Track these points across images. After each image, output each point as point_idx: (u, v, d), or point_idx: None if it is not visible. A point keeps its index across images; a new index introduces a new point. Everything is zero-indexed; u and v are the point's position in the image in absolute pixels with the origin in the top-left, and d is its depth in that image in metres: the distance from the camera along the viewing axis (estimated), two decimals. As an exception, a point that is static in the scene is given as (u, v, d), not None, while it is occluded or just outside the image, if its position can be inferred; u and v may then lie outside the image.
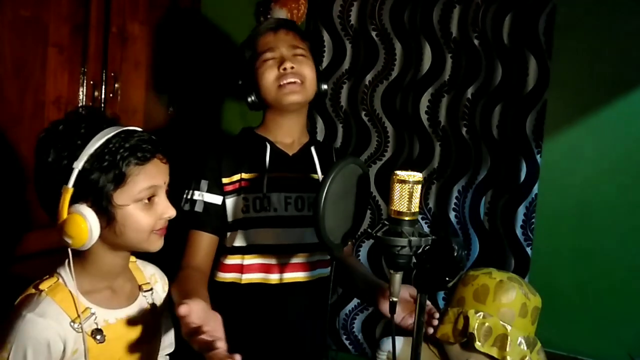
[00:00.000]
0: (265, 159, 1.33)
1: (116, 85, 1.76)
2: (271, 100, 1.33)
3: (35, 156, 0.96)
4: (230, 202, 1.31)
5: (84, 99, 1.66)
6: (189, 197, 1.30)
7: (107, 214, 0.93)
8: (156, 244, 1.00)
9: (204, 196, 1.29)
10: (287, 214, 1.33)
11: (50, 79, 1.57)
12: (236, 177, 1.32)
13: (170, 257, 1.24)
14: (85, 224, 0.90)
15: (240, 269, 1.31)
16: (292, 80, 1.31)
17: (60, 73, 1.60)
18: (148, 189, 0.96)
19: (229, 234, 1.32)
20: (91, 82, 1.68)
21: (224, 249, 1.33)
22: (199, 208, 1.29)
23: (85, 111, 0.99)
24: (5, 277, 1.45)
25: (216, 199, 1.30)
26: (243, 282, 1.31)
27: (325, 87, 1.41)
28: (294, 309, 1.34)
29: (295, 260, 1.34)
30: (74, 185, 0.90)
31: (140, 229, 0.96)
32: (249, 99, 1.35)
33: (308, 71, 1.33)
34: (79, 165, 0.90)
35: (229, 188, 1.31)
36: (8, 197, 1.49)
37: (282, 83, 1.31)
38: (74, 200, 0.91)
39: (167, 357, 1.19)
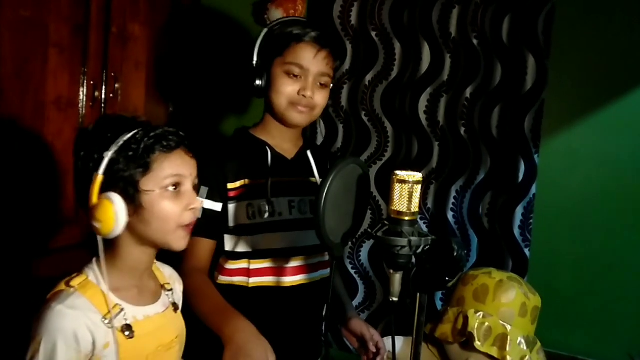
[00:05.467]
0: (268, 164, 1.33)
1: (116, 86, 1.76)
2: (277, 110, 1.33)
3: (73, 154, 1.01)
4: (233, 207, 1.31)
5: (84, 99, 1.66)
6: None
7: (134, 201, 0.96)
8: (181, 242, 1.03)
9: (204, 203, 1.29)
10: (292, 218, 1.34)
11: (50, 79, 1.57)
12: (239, 182, 1.32)
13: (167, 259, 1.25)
14: (112, 208, 0.93)
15: (247, 273, 1.31)
16: (305, 106, 1.31)
17: (61, 73, 1.60)
18: (173, 176, 0.99)
19: (230, 238, 1.32)
20: (91, 82, 1.68)
21: (224, 253, 1.33)
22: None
23: (115, 116, 1.04)
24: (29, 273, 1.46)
25: (216, 206, 1.30)
26: (250, 285, 1.31)
27: (330, 101, 1.42)
28: (299, 311, 1.35)
29: (300, 262, 1.35)
30: (105, 174, 0.94)
31: (166, 217, 0.99)
32: (257, 83, 1.32)
33: (322, 101, 1.33)
34: (108, 154, 0.94)
35: (233, 194, 1.31)
36: (7, 197, 1.50)
37: (294, 102, 1.31)
38: (105, 189, 0.95)
39: None
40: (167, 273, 1.16)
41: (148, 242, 1.02)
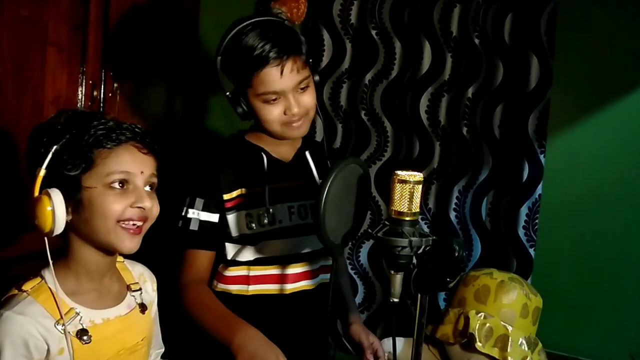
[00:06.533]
0: (264, 171, 1.30)
1: (115, 85, 1.75)
2: (274, 133, 1.27)
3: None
4: (232, 217, 1.29)
5: (83, 99, 1.66)
6: (182, 214, 1.27)
7: (74, 198, 0.92)
8: (126, 243, 0.95)
9: (200, 215, 1.26)
10: (292, 224, 1.32)
11: (49, 79, 1.57)
12: (236, 192, 1.29)
13: (166, 267, 1.24)
14: (50, 204, 0.89)
15: (247, 280, 1.30)
16: (298, 119, 1.25)
17: (59, 72, 1.59)
18: (119, 173, 0.93)
19: (232, 247, 1.31)
20: (90, 82, 1.67)
21: (223, 261, 1.32)
22: (194, 226, 1.26)
23: (71, 111, 0.99)
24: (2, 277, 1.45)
25: (212, 217, 1.27)
26: (250, 293, 1.30)
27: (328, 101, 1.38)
28: (301, 316, 1.33)
29: (301, 269, 1.33)
30: (48, 169, 0.90)
31: (105, 214, 0.92)
32: (239, 111, 1.26)
33: (311, 102, 1.27)
34: (53, 148, 0.90)
35: (230, 204, 1.28)
36: (6, 197, 1.49)
37: (287, 122, 1.25)
38: (49, 185, 0.91)
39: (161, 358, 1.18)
40: (136, 272, 1.11)
41: (96, 244, 0.96)
